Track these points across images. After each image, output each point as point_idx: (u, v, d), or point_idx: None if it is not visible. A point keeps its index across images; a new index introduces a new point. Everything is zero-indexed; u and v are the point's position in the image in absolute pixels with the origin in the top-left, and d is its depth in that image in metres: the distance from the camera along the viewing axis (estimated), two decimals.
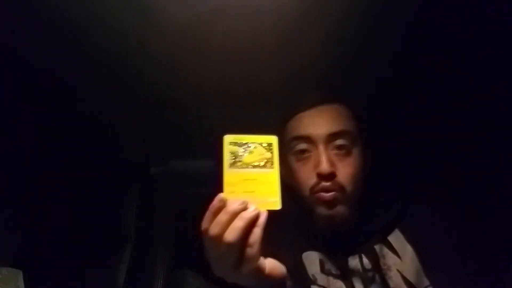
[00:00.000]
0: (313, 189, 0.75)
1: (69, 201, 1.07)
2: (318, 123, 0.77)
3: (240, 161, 0.59)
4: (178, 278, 1.00)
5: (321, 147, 0.75)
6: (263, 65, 0.95)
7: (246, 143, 0.60)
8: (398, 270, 0.74)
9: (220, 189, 0.58)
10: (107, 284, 0.95)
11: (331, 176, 0.73)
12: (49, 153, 1.08)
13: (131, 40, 0.90)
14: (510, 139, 0.89)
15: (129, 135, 1.10)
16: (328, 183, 0.73)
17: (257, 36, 0.86)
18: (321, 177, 0.73)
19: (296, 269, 0.77)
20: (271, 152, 0.59)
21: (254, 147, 0.60)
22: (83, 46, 0.92)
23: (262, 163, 0.59)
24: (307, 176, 0.75)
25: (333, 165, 0.74)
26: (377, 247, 0.76)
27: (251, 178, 0.58)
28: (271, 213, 0.56)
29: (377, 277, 0.74)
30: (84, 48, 0.92)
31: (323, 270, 0.76)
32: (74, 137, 1.09)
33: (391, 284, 0.73)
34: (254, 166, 0.59)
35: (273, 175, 0.58)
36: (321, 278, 0.76)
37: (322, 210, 0.74)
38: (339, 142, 0.75)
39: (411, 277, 0.73)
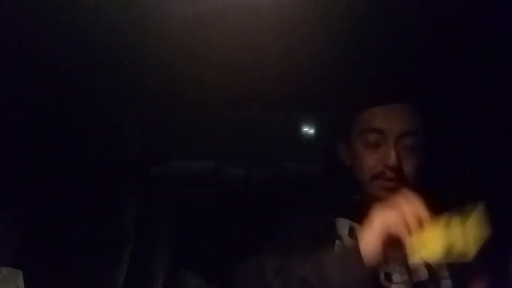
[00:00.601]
0: (377, 176, 0.84)
1: (69, 201, 1.07)
2: (392, 119, 0.84)
3: None
4: (178, 278, 1.00)
5: (391, 142, 0.83)
6: (263, 65, 0.95)
7: None
8: (421, 257, 0.80)
9: None
10: (107, 284, 0.96)
11: (396, 169, 0.82)
12: (49, 153, 1.08)
13: (131, 40, 0.90)
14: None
15: (129, 135, 1.10)
16: (392, 174, 0.82)
17: (257, 36, 0.86)
18: (388, 168, 0.82)
19: (327, 228, 0.87)
20: None
21: None
22: (82, 46, 0.91)
23: None
24: (373, 165, 0.85)
25: (400, 159, 0.82)
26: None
27: None
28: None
29: (402, 254, 0.79)
30: (84, 48, 0.92)
31: (351, 235, 0.86)
32: (74, 137, 1.09)
33: (412, 266, 0.80)
34: None
35: None
36: (347, 240, 0.85)
37: (381, 193, 0.84)
38: (408, 140, 0.84)
39: (432, 263, 0.80)
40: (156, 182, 1.13)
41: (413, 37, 0.86)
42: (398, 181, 0.82)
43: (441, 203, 0.84)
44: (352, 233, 0.86)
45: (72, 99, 1.09)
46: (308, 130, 2.43)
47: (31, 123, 1.05)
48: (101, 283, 0.96)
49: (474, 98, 1.02)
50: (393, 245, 0.75)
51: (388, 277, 0.81)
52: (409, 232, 0.72)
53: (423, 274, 0.80)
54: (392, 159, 0.82)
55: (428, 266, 0.80)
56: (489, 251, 0.78)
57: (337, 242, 0.85)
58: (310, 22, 0.83)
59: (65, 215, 1.05)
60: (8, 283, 0.70)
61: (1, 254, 0.99)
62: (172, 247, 1.02)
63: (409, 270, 0.81)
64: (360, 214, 0.85)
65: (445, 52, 0.92)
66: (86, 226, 1.02)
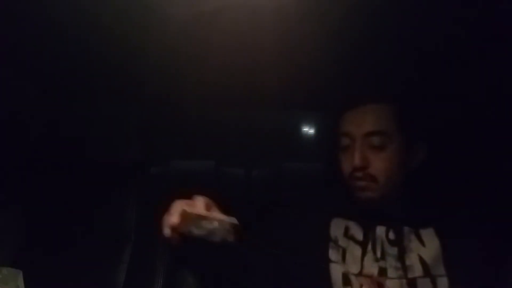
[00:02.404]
0: (351, 176, 0.87)
1: (69, 201, 1.07)
2: (358, 122, 0.87)
3: None
4: (178, 278, 1.00)
5: (357, 144, 0.86)
6: (263, 65, 0.95)
7: None
8: (418, 254, 0.83)
9: None
10: (107, 284, 0.96)
11: (361, 168, 0.85)
12: (49, 153, 1.08)
13: (131, 40, 0.90)
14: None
15: (129, 135, 1.10)
16: (360, 174, 0.85)
17: (257, 36, 0.86)
18: (354, 169, 0.86)
19: (320, 229, 0.89)
20: None
21: None
22: (83, 46, 0.91)
23: None
24: (347, 166, 0.88)
25: (365, 160, 0.85)
26: (406, 229, 0.85)
27: None
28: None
29: (396, 251, 0.84)
30: (84, 49, 0.92)
31: (346, 234, 0.88)
32: (75, 137, 1.09)
33: (407, 261, 0.82)
34: None
35: None
36: (343, 240, 0.88)
37: (356, 193, 0.87)
38: (374, 140, 0.86)
39: (428, 260, 0.82)
40: (156, 182, 1.13)
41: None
42: (368, 180, 0.85)
43: (421, 202, 0.88)
44: (348, 232, 0.89)
45: (72, 99, 1.09)
46: (308, 130, 2.43)
47: (32, 123, 1.05)
48: (101, 283, 0.96)
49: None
50: None
51: (383, 272, 0.82)
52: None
53: (418, 271, 0.81)
54: (356, 160, 0.85)
55: (423, 262, 0.81)
56: (488, 251, 0.80)
57: (331, 244, 0.88)
58: (310, 22, 0.83)
59: (65, 215, 1.05)
60: (8, 283, 0.70)
61: (1, 254, 0.99)
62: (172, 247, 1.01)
63: (404, 266, 0.82)
64: (355, 213, 0.90)
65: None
66: (86, 226, 1.02)
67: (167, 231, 0.75)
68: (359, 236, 0.87)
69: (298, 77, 0.98)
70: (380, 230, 0.86)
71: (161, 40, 0.89)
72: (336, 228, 0.90)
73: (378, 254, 0.84)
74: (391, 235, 0.85)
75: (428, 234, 0.84)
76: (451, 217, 0.86)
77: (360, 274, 0.83)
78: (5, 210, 1.03)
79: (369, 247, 0.85)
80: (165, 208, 0.79)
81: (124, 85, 1.07)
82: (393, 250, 0.84)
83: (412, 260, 0.82)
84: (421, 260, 0.82)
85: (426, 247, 0.83)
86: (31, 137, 1.06)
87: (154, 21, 0.83)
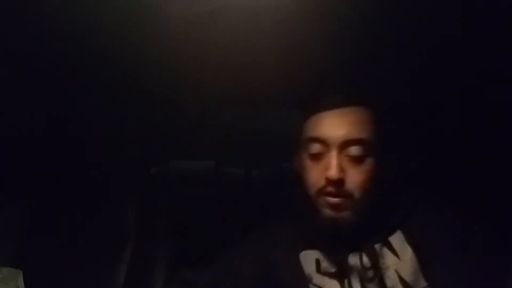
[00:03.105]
0: (321, 191, 0.74)
1: (69, 201, 1.07)
2: (336, 126, 0.74)
3: None
4: (178, 278, 1.00)
5: (334, 152, 0.73)
6: (263, 65, 0.95)
7: None
8: (395, 270, 0.74)
9: None
10: (107, 284, 0.96)
11: (339, 182, 0.72)
12: (49, 153, 1.08)
13: (131, 40, 0.90)
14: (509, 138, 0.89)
15: (129, 135, 1.10)
16: (334, 189, 0.72)
17: (257, 36, 0.86)
18: (329, 182, 0.72)
19: (293, 268, 0.78)
20: None
21: None
22: (82, 46, 0.91)
23: None
24: (317, 177, 0.75)
25: (344, 171, 0.72)
26: (377, 246, 0.76)
27: None
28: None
29: (375, 276, 0.74)
30: (84, 48, 0.92)
31: (319, 270, 0.77)
32: (74, 137, 1.09)
33: (388, 283, 0.73)
34: None
35: None
36: (317, 278, 0.76)
37: (327, 212, 0.74)
38: (354, 150, 0.73)
39: (407, 277, 0.73)
40: (156, 182, 1.12)
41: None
42: (344, 196, 0.72)
43: (396, 201, 0.78)
44: (320, 267, 0.77)
45: (72, 99, 1.09)
46: None
47: (32, 122, 1.05)
48: (101, 283, 0.96)
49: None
50: None
51: None
52: None
53: None
54: (333, 171, 0.71)
55: (402, 280, 0.73)
56: (470, 261, 0.72)
57: (310, 286, 0.76)
58: (310, 22, 0.83)
59: (65, 215, 1.05)
60: (8, 283, 0.70)
61: (1, 254, 0.99)
62: (172, 247, 1.02)
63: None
64: (325, 238, 0.77)
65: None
66: (86, 226, 1.02)
67: None
68: (333, 268, 0.76)
69: (298, 77, 0.98)
70: (354, 259, 0.75)
71: (161, 40, 0.89)
72: (307, 264, 0.78)
73: (358, 287, 0.74)
74: (366, 262, 0.74)
75: (398, 240, 0.75)
76: (418, 217, 0.76)
77: None
78: (5, 210, 1.03)
79: (346, 280, 0.75)
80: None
81: (124, 85, 1.07)
82: (371, 276, 0.74)
83: (392, 279, 0.73)
84: (400, 277, 0.73)
85: (401, 260, 0.74)
86: (30, 137, 1.06)
87: (154, 21, 0.83)
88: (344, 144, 0.73)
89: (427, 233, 0.74)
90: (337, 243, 0.76)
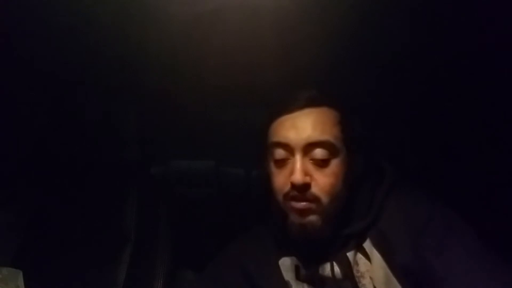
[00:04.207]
0: (286, 196, 0.72)
1: (69, 201, 1.07)
2: (298, 129, 0.71)
3: None
4: (178, 278, 1.00)
5: (297, 156, 0.71)
6: (263, 65, 0.95)
7: None
8: (370, 278, 0.71)
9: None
10: (107, 284, 0.95)
11: (304, 187, 0.70)
12: (49, 153, 1.08)
13: (131, 39, 0.90)
14: (498, 139, 0.89)
15: (129, 135, 1.10)
16: (299, 194, 0.70)
17: (257, 36, 0.86)
18: (294, 186, 0.70)
19: (274, 275, 0.76)
20: None
21: None
22: (83, 46, 0.92)
23: None
24: (283, 182, 0.72)
25: (308, 175, 0.70)
26: (350, 254, 0.73)
27: None
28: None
29: (349, 285, 0.71)
30: (84, 48, 0.92)
31: (298, 277, 0.75)
32: (74, 137, 1.09)
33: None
34: None
35: None
36: (296, 285, 0.75)
37: (294, 218, 0.72)
38: (318, 152, 0.71)
39: (380, 283, 0.70)
40: (156, 182, 1.12)
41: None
42: (310, 200, 0.70)
43: (367, 205, 0.73)
44: (299, 273, 0.75)
45: (72, 99, 1.09)
46: None
47: (32, 123, 1.05)
48: (101, 283, 0.96)
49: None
50: None
51: None
52: None
53: None
54: (297, 176, 0.69)
55: (376, 282, 0.70)
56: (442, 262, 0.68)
57: None
58: (310, 22, 0.83)
59: (65, 215, 1.05)
60: (8, 283, 0.70)
61: (1, 254, 0.99)
62: (172, 247, 1.01)
63: None
64: (296, 246, 0.75)
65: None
66: (86, 226, 1.02)
67: None
68: (311, 275, 0.73)
69: (298, 77, 0.98)
70: (325, 270, 0.73)
71: (161, 39, 0.89)
72: (287, 270, 0.76)
73: None
74: (337, 272, 0.72)
75: (368, 245, 0.72)
76: (385, 220, 0.71)
77: None
78: (5, 210, 1.03)
79: None
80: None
81: (124, 84, 1.07)
82: (346, 286, 0.71)
83: (368, 286, 0.70)
84: (373, 284, 0.70)
85: (372, 264, 0.70)
86: (30, 137, 1.06)
87: (154, 21, 0.83)
88: (307, 147, 0.71)
89: (390, 236, 0.71)
90: (308, 252, 0.74)
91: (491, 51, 0.87)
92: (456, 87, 0.97)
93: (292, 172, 0.70)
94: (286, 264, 0.76)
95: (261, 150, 0.80)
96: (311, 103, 0.73)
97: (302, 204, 0.70)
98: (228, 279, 0.80)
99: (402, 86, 1.00)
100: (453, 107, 1.00)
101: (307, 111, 0.73)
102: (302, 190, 0.70)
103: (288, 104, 0.74)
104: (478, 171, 0.96)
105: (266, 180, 0.78)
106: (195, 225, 1.17)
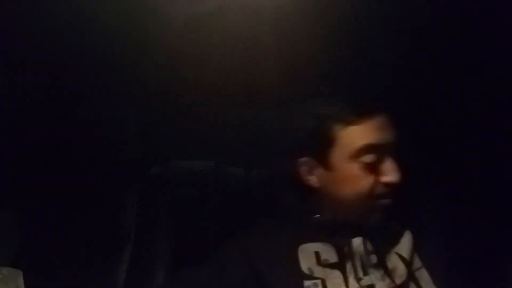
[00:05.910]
0: (370, 194, 0.76)
1: (69, 201, 1.07)
2: (380, 133, 0.77)
3: None
4: (178, 278, 1.00)
5: (389, 156, 0.77)
6: (263, 65, 0.95)
7: None
8: (396, 252, 0.78)
9: None
10: (107, 284, 0.95)
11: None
12: (49, 153, 1.08)
13: (131, 39, 0.90)
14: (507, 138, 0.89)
15: (129, 135, 1.10)
16: (390, 190, 0.76)
17: (257, 36, 0.86)
18: (390, 186, 0.76)
19: (290, 264, 0.78)
20: None
21: None
22: (82, 46, 0.92)
23: None
24: (372, 183, 0.76)
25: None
26: (379, 230, 0.79)
27: None
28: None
29: (376, 259, 0.77)
30: (84, 48, 0.92)
31: (319, 262, 0.78)
32: (74, 136, 1.09)
33: (389, 265, 0.77)
34: None
35: None
36: (318, 270, 0.77)
37: (376, 216, 0.78)
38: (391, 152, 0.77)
39: (407, 256, 0.78)
40: (156, 182, 1.12)
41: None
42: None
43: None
44: (320, 258, 0.78)
45: (72, 99, 1.09)
46: None
47: (31, 122, 1.05)
48: (101, 283, 0.96)
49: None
50: None
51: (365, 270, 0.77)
52: None
53: (401, 271, 0.76)
54: (396, 174, 0.76)
55: (404, 260, 0.77)
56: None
57: (306, 282, 0.76)
58: (310, 22, 0.83)
59: (65, 215, 1.05)
60: (8, 283, 0.70)
61: (1, 254, 0.99)
62: (172, 247, 1.01)
63: (388, 272, 0.77)
64: (324, 231, 0.80)
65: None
66: (86, 226, 1.02)
67: None
68: (334, 258, 0.78)
69: (298, 77, 0.98)
70: (357, 243, 0.78)
71: (161, 39, 0.89)
72: (306, 258, 0.78)
73: (360, 273, 0.76)
74: (369, 245, 0.78)
75: (396, 225, 0.80)
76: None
77: None
78: (5, 210, 1.03)
79: (348, 267, 0.77)
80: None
81: (124, 84, 1.07)
82: (374, 260, 0.77)
83: (393, 261, 0.77)
84: (400, 256, 0.77)
85: (400, 242, 0.79)
86: (30, 137, 1.06)
87: (154, 21, 0.83)
88: (391, 148, 0.77)
89: (422, 217, 0.80)
90: (341, 230, 0.78)
91: (491, 51, 0.87)
92: (456, 87, 0.97)
93: (386, 173, 0.76)
94: (306, 251, 0.79)
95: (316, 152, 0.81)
96: (379, 110, 0.79)
97: (388, 200, 0.77)
98: (234, 279, 0.82)
99: (402, 86, 1.00)
100: (453, 107, 1.00)
101: (378, 117, 0.78)
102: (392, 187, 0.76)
103: (367, 110, 0.78)
104: (478, 171, 0.96)
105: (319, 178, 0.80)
106: (195, 225, 1.17)
